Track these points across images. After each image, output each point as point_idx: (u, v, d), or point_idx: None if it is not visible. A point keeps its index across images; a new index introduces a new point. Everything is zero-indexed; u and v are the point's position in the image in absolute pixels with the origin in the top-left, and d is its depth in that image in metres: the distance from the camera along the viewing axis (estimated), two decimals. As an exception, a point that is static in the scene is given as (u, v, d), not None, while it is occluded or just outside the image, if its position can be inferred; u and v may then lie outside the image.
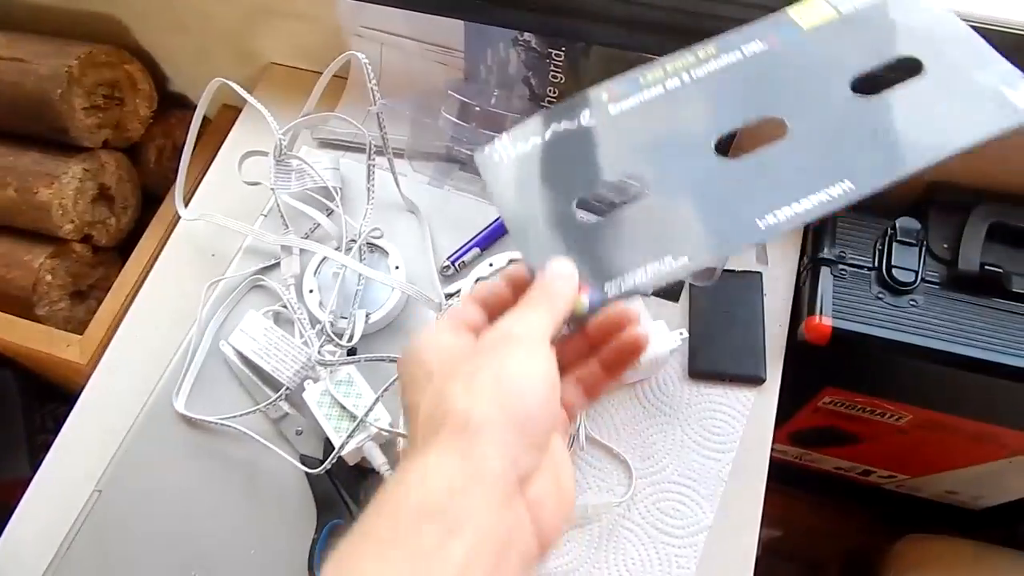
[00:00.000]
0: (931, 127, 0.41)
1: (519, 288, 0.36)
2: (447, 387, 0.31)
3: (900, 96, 0.42)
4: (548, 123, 0.47)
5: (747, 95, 0.44)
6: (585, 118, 0.47)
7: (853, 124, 0.42)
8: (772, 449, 0.62)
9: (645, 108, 0.45)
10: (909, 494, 0.94)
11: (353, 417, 0.55)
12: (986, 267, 0.59)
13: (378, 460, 0.54)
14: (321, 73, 0.68)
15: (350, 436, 0.54)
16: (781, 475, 0.74)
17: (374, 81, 0.60)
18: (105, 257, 0.90)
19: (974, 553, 0.83)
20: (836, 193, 0.39)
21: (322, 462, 0.56)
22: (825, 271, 0.62)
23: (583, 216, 0.42)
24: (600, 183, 0.44)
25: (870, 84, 0.41)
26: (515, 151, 0.46)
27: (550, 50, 0.67)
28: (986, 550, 0.83)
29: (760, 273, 0.66)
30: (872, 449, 0.82)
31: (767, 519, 0.60)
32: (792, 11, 0.46)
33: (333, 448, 0.54)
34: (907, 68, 0.42)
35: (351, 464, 0.55)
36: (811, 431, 0.81)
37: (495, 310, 0.35)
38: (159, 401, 0.60)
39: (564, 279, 0.35)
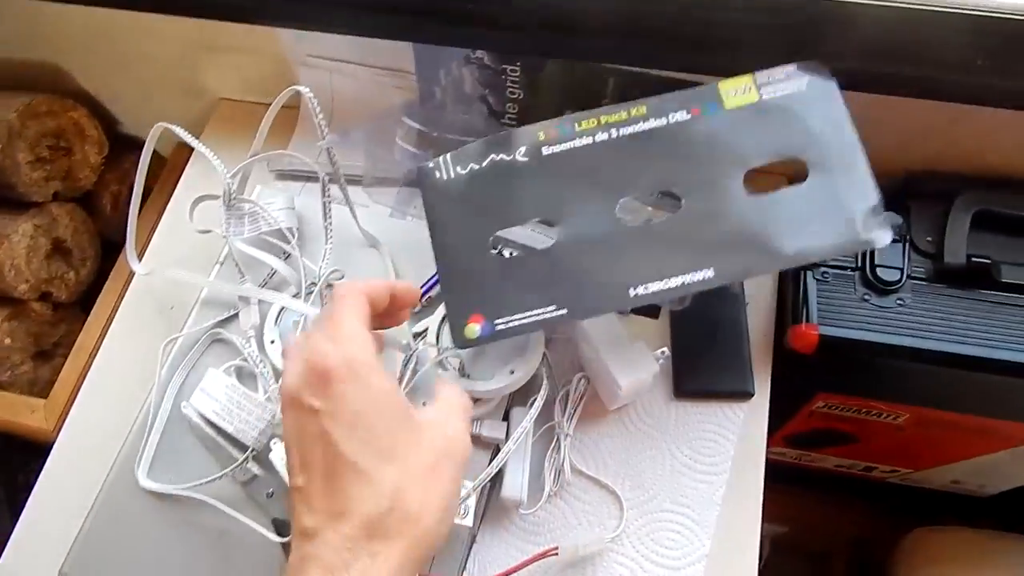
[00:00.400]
0: (794, 238, 0.47)
1: (398, 302, 0.42)
2: (411, 489, 0.33)
3: (778, 201, 0.47)
4: (487, 152, 0.52)
5: (659, 165, 0.49)
6: (520, 153, 0.52)
7: (733, 218, 0.47)
8: (771, 452, 0.59)
9: (572, 156, 0.51)
10: (913, 486, 0.92)
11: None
12: (973, 258, 0.56)
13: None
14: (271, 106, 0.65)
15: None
16: (783, 475, 0.71)
17: (320, 116, 0.57)
18: (67, 313, 0.86)
19: (983, 542, 0.81)
20: (697, 278, 0.45)
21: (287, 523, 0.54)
22: (808, 275, 0.59)
23: (493, 250, 0.46)
24: (516, 222, 0.49)
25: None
26: (454, 172, 0.51)
27: (504, 66, 0.64)
28: (995, 538, 0.81)
29: (741, 282, 0.63)
30: (871, 447, 0.79)
31: (773, 516, 0.58)
32: (722, 86, 0.51)
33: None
34: (796, 170, 0.48)
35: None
36: (808, 434, 0.78)
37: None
38: (121, 473, 0.56)
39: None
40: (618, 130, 0.51)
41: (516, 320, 0.44)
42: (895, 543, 0.90)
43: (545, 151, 0.51)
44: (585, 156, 0.50)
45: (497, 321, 0.43)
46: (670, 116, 0.51)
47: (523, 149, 0.51)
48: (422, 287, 0.61)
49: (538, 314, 0.44)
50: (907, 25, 0.50)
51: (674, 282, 0.45)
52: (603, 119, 0.51)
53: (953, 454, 0.78)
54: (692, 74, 0.59)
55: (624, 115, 0.51)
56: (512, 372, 0.53)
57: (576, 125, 0.52)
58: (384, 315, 0.43)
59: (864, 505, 1.06)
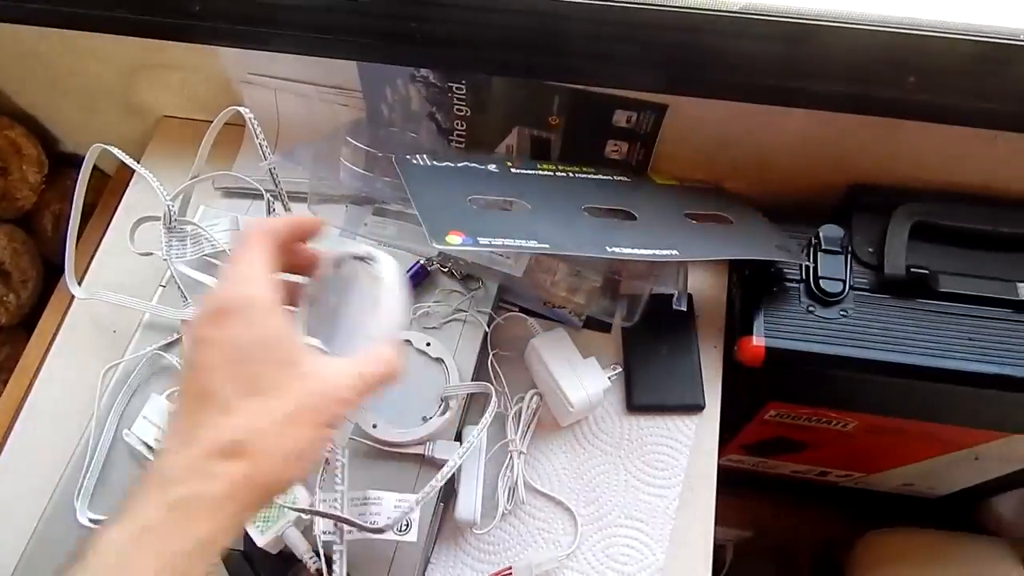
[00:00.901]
0: (733, 247, 0.59)
1: (303, 233, 0.40)
2: (267, 428, 0.33)
3: (715, 228, 0.59)
4: (460, 159, 0.61)
5: (611, 196, 0.59)
6: (491, 167, 0.60)
7: (686, 229, 0.58)
8: (729, 459, 0.60)
9: (537, 177, 0.60)
10: (869, 488, 0.94)
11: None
12: (912, 269, 0.58)
13: (301, 547, 0.50)
14: (225, 124, 0.63)
15: (267, 524, 0.50)
16: (741, 481, 0.72)
17: (261, 135, 0.56)
18: (9, 336, 0.84)
19: (933, 542, 0.83)
20: (664, 254, 0.51)
21: (243, 554, 0.52)
22: (754, 288, 0.60)
23: (473, 205, 0.51)
24: (493, 195, 0.55)
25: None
26: (431, 163, 0.58)
27: (450, 84, 0.63)
28: (945, 538, 0.83)
29: (690, 296, 0.64)
30: (824, 453, 0.81)
31: (735, 521, 0.59)
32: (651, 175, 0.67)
33: (250, 538, 0.50)
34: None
35: (273, 553, 0.51)
36: (761, 442, 0.79)
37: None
38: (60, 505, 0.54)
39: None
40: (571, 174, 0.62)
41: (499, 241, 0.46)
42: (851, 545, 0.91)
43: (514, 170, 0.59)
44: (547, 180, 0.60)
45: (480, 238, 0.46)
46: (615, 176, 0.63)
47: (493, 166, 0.60)
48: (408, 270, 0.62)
49: (521, 243, 0.47)
50: (837, 42, 0.51)
51: (645, 252, 0.50)
52: (559, 166, 0.62)
53: (902, 458, 0.80)
54: (633, 90, 0.60)
55: (577, 168, 0.63)
56: (425, 419, 0.53)
57: (538, 164, 0.62)
58: (294, 253, 0.41)
59: (823, 508, 1.08)
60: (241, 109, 0.57)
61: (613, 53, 0.55)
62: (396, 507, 0.49)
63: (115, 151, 0.61)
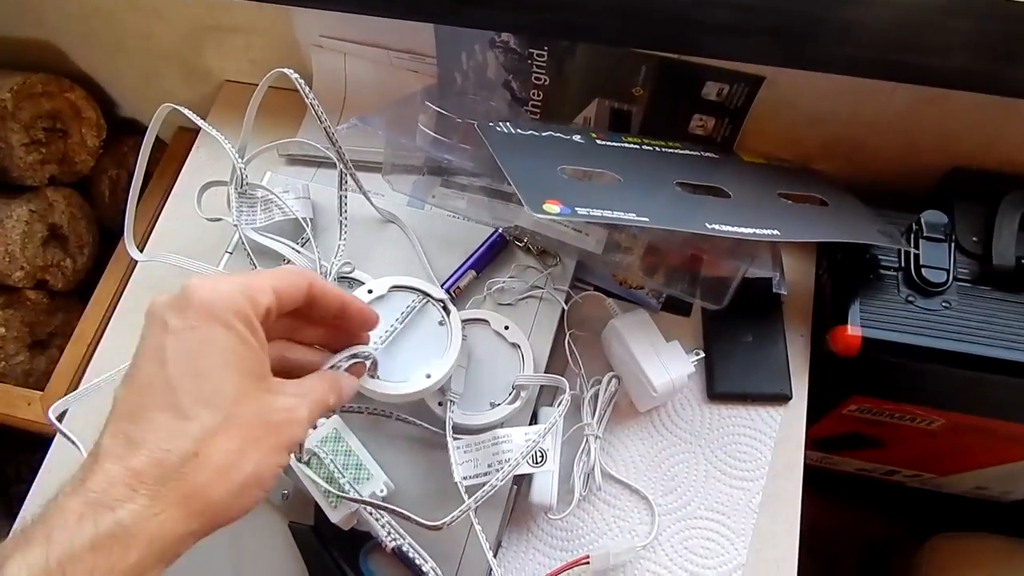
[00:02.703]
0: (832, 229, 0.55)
1: (314, 306, 0.38)
2: (223, 441, 0.30)
3: (813, 210, 0.56)
4: (544, 128, 0.57)
5: (700, 172, 0.56)
6: (576, 138, 0.57)
7: (782, 209, 0.55)
8: None
9: (623, 150, 0.57)
10: (932, 491, 0.90)
11: (344, 477, 0.49)
12: (1023, 260, 0.54)
13: (375, 525, 0.48)
14: (283, 89, 0.61)
15: (340, 499, 0.48)
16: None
17: (312, 98, 0.53)
18: (64, 302, 0.83)
19: (1007, 549, 0.79)
20: (765, 233, 0.48)
21: (313, 528, 0.51)
22: (848, 276, 0.57)
23: (564, 175, 0.50)
24: (583, 166, 0.53)
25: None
26: (515, 131, 0.55)
27: (531, 50, 0.61)
28: (1019, 545, 0.79)
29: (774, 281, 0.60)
30: (899, 452, 0.77)
31: None
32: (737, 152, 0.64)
33: (323, 513, 0.49)
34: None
35: (345, 529, 0.50)
36: (835, 437, 0.76)
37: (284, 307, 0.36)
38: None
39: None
40: (657, 149, 0.59)
41: (598, 212, 0.44)
42: (909, 548, 0.88)
43: (599, 143, 0.57)
44: (634, 153, 0.57)
45: (578, 208, 0.44)
46: (701, 152, 0.60)
47: (577, 136, 0.57)
48: (448, 279, 0.58)
49: (620, 215, 0.45)
50: (953, 14, 0.48)
51: (746, 231, 0.48)
52: (645, 140, 0.59)
53: (983, 460, 0.76)
54: (728, 60, 0.56)
55: (662, 142, 0.60)
56: (428, 376, 0.50)
57: (623, 137, 0.59)
58: (339, 327, 0.41)
59: (877, 508, 1.04)
60: (286, 71, 0.54)
61: (713, 19, 0.52)
62: (527, 439, 0.50)
63: (185, 111, 0.59)
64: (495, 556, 0.53)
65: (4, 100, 0.70)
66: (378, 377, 0.48)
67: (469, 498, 0.47)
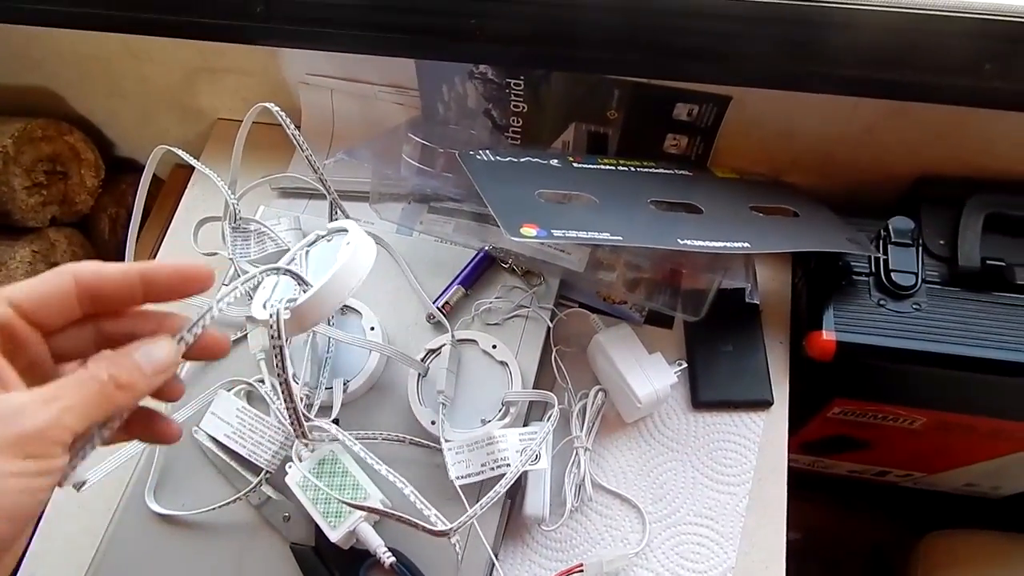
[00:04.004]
0: (800, 240, 0.56)
1: (104, 298, 0.31)
2: None
3: (781, 220, 0.58)
4: (523, 154, 0.60)
5: (675, 190, 0.58)
6: (553, 163, 0.60)
7: (753, 223, 0.57)
8: None
9: (599, 172, 0.60)
10: (926, 489, 0.92)
11: (341, 497, 0.51)
12: (988, 261, 0.56)
13: (373, 542, 0.50)
14: (274, 125, 0.63)
15: (339, 519, 0.50)
16: (795, 481, 0.70)
17: (293, 130, 0.56)
18: (66, 338, 0.85)
19: (1000, 544, 0.81)
20: (736, 246, 0.50)
21: (314, 549, 0.53)
22: (821, 282, 0.59)
23: (541, 198, 0.52)
24: (560, 189, 0.55)
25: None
26: (494, 158, 0.58)
27: (508, 80, 0.63)
28: (1012, 540, 0.81)
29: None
30: (886, 452, 0.79)
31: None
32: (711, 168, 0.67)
33: (323, 534, 0.50)
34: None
35: (345, 548, 0.51)
36: (822, 440, 0.78)
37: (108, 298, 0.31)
38: (133, 498, 0.55)
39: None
40: (632, 169, 0.61)
41: (573, 233, 0.47)
42: (908, 547, 0.89)
43: (576, 165, 0.60)
44: (610, 174, 0.60)
45: (554, 231, 0.46)
46: (676, 170, 0.62)
47: (555, 161, 0.60)
48: (439, 296, 0.60)
49: (595, 235, 0.47)
50: (912, 30, 0.50)
51: (717, 244, 0.50)
52: (620, 161, 0.62)
53: (968, 457, 0.78)
54: (695, 83, 0.59)
55: (638, 162, 0.62)
56: (484, 422, 0.54)
57: (599, 159, 0.62)
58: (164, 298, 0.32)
59: (876, 510, 1.06)
60: (269, 105, 0.56)
61: (679, 44, 0.55)
62: (521, 440, 0.52)
63: (179, 152, 0.61)
64: (491, 571, 0.54)
65: (6, 146, 0.72)
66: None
67: (466, 500, 0.49)
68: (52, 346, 0.31)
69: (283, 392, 0.40)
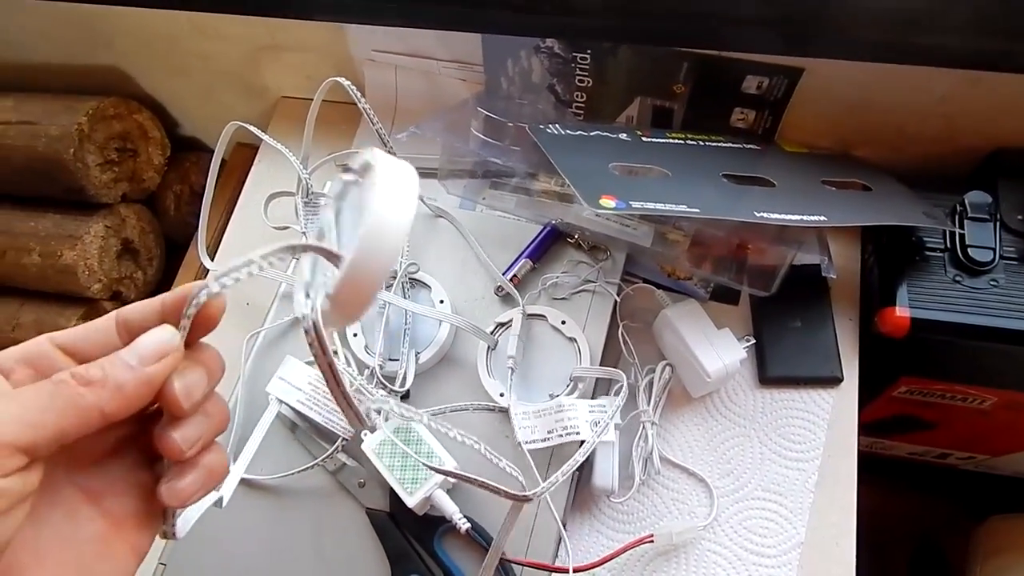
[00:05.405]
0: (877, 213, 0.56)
1: (169, 312, 0.30)
2: None
3: (855, 195, 0.58)
4: (592, 128, 0.60)
5: (744, 163, 0.58)
6: (622, 136, 0.60)
7: (827, 194, 0.57)
8: None
9: (668, 146, 0.60)
10: (986, 472, 0.90)
11: (417, 464, 0.52)
12: (1069, 236, 0.55)
13: (448, 508, 0.51)
14: (337, 102, 0.64)
15: (415, 484, 0.51)
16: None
17: (365, 103, 0.57)
18: (135, 312, 0.87)
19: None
20: (813, 219, 0.50)
21: (390, 515, 0.54)
22: (894, 258, 0.58)
23: (615, 171, 0.53)
24: (632, 162, 0.55)
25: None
26: (564, 131, 0.58)
27: (575, 54, 0.63)
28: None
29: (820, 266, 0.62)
30: (951, 433, 0.78)
31: None
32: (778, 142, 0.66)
33: (399, 499, 0.52)
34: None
35: (420, 514, 0.53)
36: (885, 420, 0.77)
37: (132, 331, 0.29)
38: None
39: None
40: (701, 143, 0.61)
41: (651, 205, 0.47)
42: (962, 531, 0.88)
43: (644, 139, 0.59)
44: (680, 148, 0.59)
45: (632, 202, 0.47)
46: (744, 144, 0.62)
47: (624, 135, 0.60)
48: (507, 269, 0.61)
49: (672, 208, 0.47)
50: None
51: (794, 217, 0.50)
52: (688, 135, 0.62)
53: (1037, 438, 0.76)
54: (768, 55, 0.58)
55: (705, 136, 0.62)
56: (551, 396, 0.55)
57: (667, 133, 0.62)
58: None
59: (926, 493, 1.04)
60: (340, 79, 0.57)
61: (752, 14, 0.54)
62: (591, 411, 0.53)
63: (251, 127, 0.63)
64: (561, 540, 0.55)
65: (81, 124, 0.74)
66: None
67: (535, 467, 0.50)
68: None
69: (342, 405, 0.31)
